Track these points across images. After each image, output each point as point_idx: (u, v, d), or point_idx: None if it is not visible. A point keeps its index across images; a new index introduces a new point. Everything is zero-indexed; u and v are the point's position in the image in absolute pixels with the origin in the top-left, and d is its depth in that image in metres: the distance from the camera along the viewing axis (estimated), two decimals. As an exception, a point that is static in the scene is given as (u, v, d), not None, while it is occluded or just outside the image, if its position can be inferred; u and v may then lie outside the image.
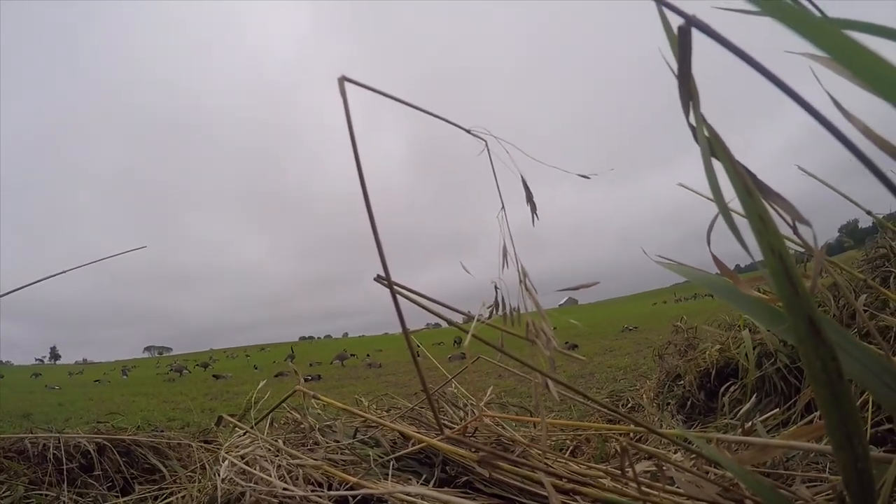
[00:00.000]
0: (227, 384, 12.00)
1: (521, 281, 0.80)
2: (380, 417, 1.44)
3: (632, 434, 1.69)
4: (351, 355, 18.04)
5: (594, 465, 1.06)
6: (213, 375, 15.70)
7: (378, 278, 0.78)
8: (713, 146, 0.43)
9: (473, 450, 0.97)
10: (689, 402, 2.47)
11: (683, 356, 2.79)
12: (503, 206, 0.89)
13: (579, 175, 1.00)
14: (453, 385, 1.52)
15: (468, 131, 0.85)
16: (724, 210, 0.46)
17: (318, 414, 1.73)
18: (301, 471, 1.16)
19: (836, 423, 0.38)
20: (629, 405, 2.98)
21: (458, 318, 0.87)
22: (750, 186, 0.40)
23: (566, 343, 11.00)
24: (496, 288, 0.80)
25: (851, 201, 1.06)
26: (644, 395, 2.98)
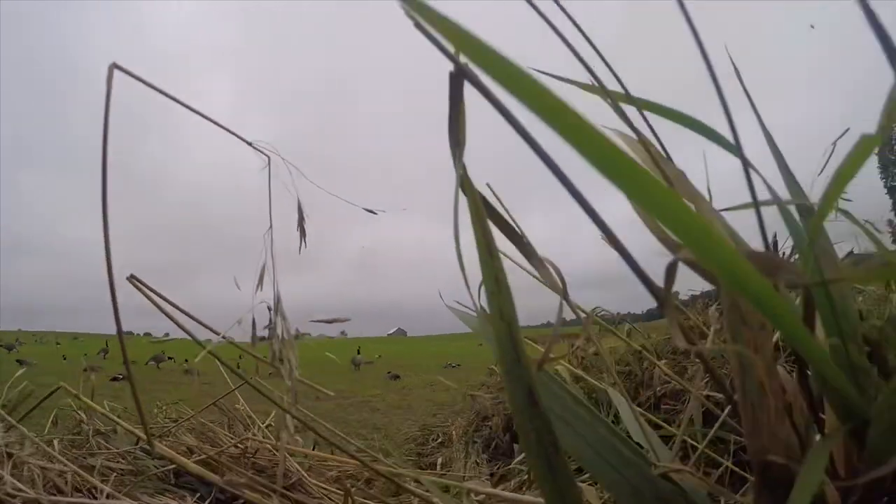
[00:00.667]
0: (29, 372, 10.13)
1: (274, 306, 0.82)
2: (165, 428, 1.42)
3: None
4: (168, 358, 17.05)
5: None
6: (17, 360, 13.46)
7: (132, 278, 0.78)
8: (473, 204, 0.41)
9: (239, 472, 1.02)
10: (493, 443, 2.71)
11: (494, 398, 3.06)
12: (271, 226, 0.87)
13: (365, 210, 1.01)
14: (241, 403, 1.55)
15: (250, 144, 0.84)
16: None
17: (107, 416, 1.62)
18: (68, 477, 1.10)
19: (551, 495, 0.38)
20: (438, 440, 3.17)
21: (208, 335, 0.87)
22: (492, 248, 0.40)
23: (388, 373, 11.28)
24: (269, 308, 0.81)
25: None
26: (454, 432, 3.20)
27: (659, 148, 0.55)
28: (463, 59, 0.36)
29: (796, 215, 0.58)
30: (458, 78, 0.38)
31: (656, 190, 0.26)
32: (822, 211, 0.39)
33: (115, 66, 0.59)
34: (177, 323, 0.84)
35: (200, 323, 0.85)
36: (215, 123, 0.78)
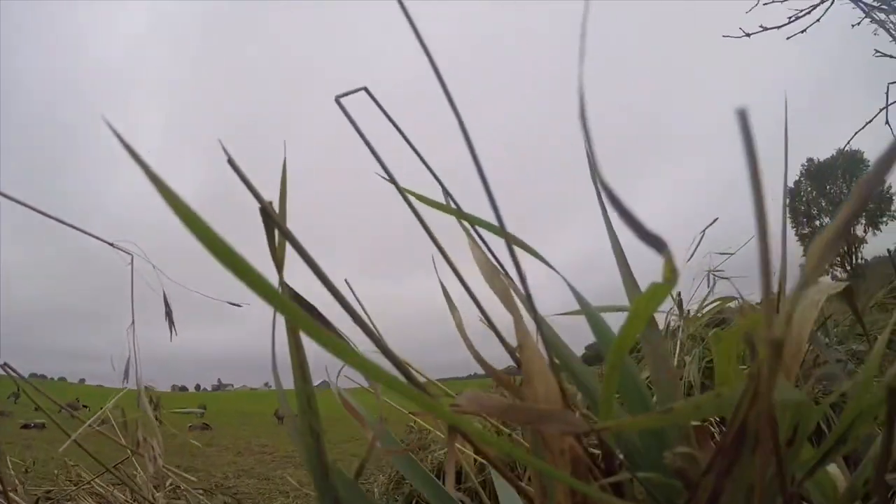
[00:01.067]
0: None
1: (141, 394, 0.85)
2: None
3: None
4: (83, 406, 15.84)
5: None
6: None
7: (5, 365, 0.76)
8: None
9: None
10: (414, 501, 2.72)
11: (416, 455, 3.10)
12: (133, 322, 0.95)
13: (229, 303, 1.04)
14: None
15: (111, 245, 0.88)
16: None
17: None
18: None
19: None
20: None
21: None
22: (305, 371, 0.43)
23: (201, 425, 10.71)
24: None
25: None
26: (376, 490, 3.18)
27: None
28: (267, 199, 0.41)
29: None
30: (265, 212, 0.41)
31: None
32: (610, 379, 0.40)
33: None
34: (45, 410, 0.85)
35: (68, 412, 0.86)
36: (69, 225, 0.82)
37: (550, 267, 0.60)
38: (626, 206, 0.29)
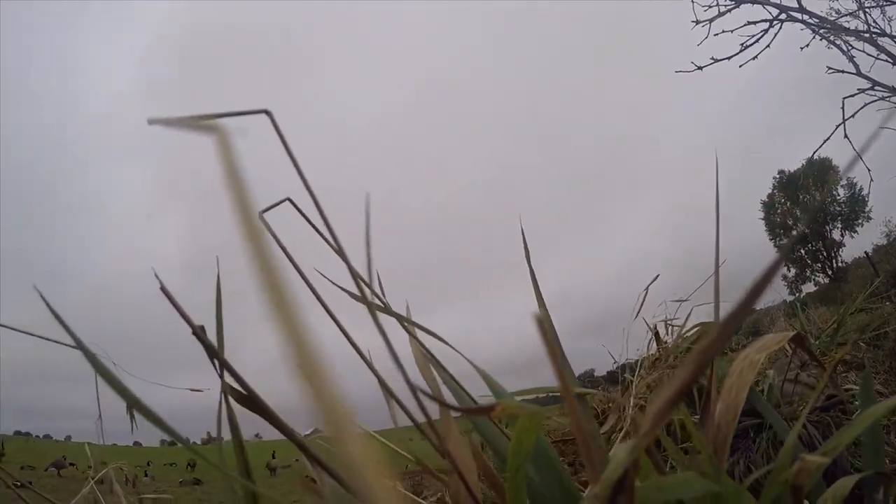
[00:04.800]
0: None
1: (112, 479, 0.84)
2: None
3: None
4: (70, 464, 15.14)
5: None
6: None
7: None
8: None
9: None
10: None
11: (417, 495, 3.02)
12: (100, 419, 0.97)
13: (191, 390, 1.09)
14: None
15: (77, 347, 0.87)
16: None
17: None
18: None
19: None
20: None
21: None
22: (246, 463, 0.56)
23: (307, 476, 10.60)
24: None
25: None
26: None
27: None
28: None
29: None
30: (198, 337, 0.48)
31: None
32: (515, 475, 0.46)
33: None
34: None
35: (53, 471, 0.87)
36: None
37: (444, 342, 0.68)
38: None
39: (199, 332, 0.43)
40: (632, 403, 1.69)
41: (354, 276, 0.61)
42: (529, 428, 0.41)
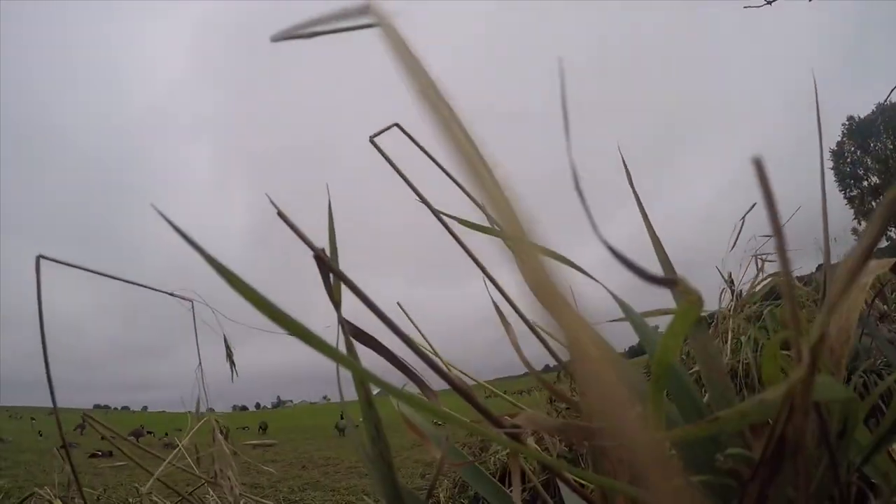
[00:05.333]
0: (5, 449, 9.79)
1: (214, 428, 0.93)
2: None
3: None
4: (148, 432, 16.45)
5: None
6: None
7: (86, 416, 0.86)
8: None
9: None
10: (480, 502, 2.79)
11: (476, 458, 3.15)
12: (200, 364, 1.02)
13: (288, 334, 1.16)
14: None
15: (172, 294, 0.88)
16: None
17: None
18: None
19: None
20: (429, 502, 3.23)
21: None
22: (370, 399, 0.46)
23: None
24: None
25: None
26: (441, 495, 3.27)
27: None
28: (320, 247, 0.44)
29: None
30: (319, 260, 0.44)
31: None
32: (657, 391, 0.40)
33: (41, 256, 0.67)
34: (128, 455, 0.98)
35: (132, 441, 0.93)
36: (130, 282, 0.88)
37: (590, 276, 0.63)
38: (627, 258, 0.29)
39: (320, 254, 0.43)
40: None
41: (472, 199, 0.58)
42: (688, 314, 0.33)
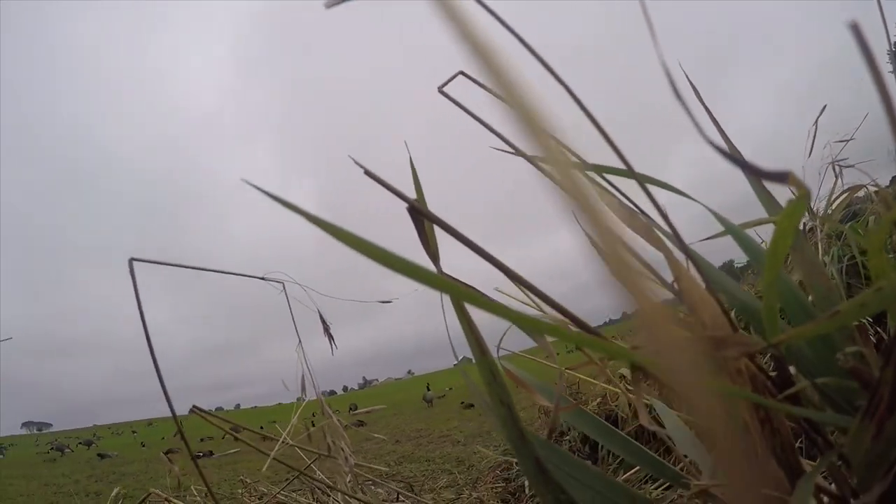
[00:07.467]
0: (112, 463, 10.96)
1: (323, 403, 0.97)
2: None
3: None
4: (244, 429, 17.92)
5: None
6: (98, 454, 14.31)
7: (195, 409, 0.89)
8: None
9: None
10: (575, 455, 2.80)
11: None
12: (300, 342, 1.05)
13: (379, 301, 1.14)
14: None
15: (262, 278, 0.92)
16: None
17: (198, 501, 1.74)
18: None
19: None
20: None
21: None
22: (483, 346, 0.45)
23: (462, 403, 11.45)
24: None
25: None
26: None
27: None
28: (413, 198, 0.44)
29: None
30: (414, 211, 0.44)
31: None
32: (770, 294, 0.39)
33: (134, 259, 0.70)
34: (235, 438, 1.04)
35: (253, 431, 0.97)
36: (222, 272, 0.89)
37: (685, 195, 0.61)
38: (736, 154, 0.28)
39: (414, 203, 0.43)
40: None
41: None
42: (787, 227, 0.32)
